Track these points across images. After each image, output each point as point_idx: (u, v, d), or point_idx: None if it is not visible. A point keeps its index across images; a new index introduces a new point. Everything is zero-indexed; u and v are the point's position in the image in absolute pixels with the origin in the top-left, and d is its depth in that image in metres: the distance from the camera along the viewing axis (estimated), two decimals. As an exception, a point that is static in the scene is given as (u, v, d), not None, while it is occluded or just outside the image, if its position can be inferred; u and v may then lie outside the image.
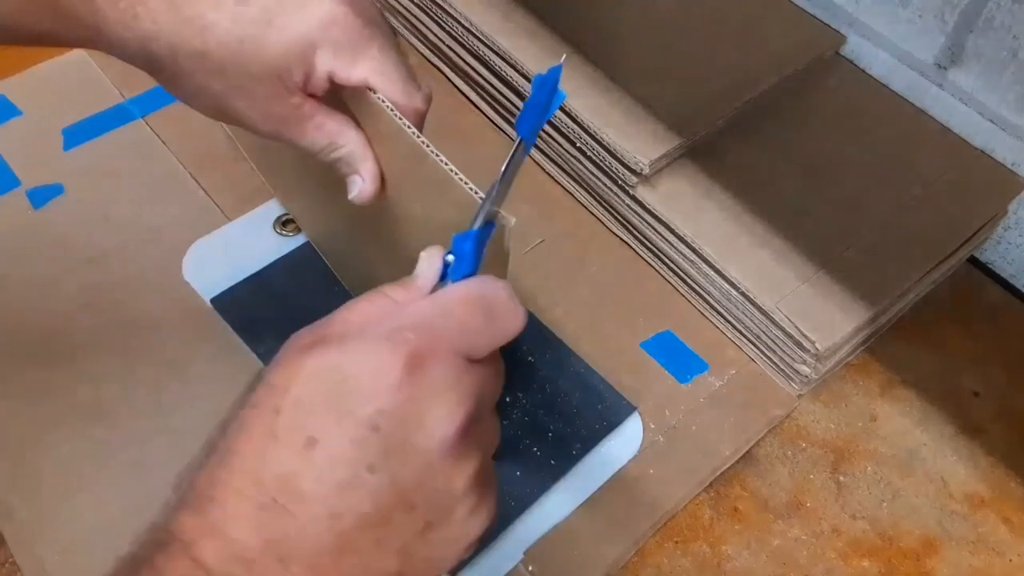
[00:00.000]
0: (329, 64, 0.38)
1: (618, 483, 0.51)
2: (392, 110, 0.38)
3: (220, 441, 0.29)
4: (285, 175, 0.59)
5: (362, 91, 0.39)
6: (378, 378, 0.28)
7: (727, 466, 0.52)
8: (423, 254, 0.32)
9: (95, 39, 0.37)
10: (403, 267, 0.34)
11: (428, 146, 0.37)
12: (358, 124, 0.41)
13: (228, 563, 0.27)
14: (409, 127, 0.38)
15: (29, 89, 0.67)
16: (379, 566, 0.28)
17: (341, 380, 0.28)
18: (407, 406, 0.28)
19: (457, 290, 0.31)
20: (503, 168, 0.34)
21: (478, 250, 0.32)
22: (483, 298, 0.31)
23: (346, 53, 0.38)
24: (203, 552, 0.27)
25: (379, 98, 0.39)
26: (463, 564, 0.44)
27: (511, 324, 0.31)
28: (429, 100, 0.41)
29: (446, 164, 0.37)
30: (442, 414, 0.28)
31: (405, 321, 0.29)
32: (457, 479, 0.29)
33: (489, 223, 0.33)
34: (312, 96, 0.39)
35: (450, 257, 0.32)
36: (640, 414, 0.54)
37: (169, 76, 0.38)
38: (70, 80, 0.67)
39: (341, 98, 0.40)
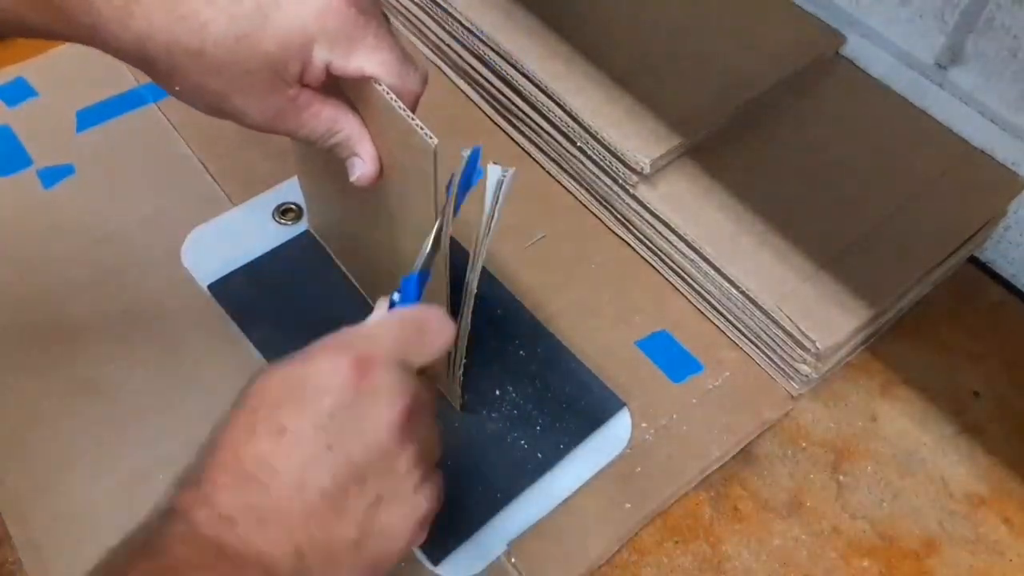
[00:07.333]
0: (326, 56, 0.38)
1: (605, 479, 0.51)
2: (389, 94, 0.38)
3: (214, 435, 0.34)
4: (310, 161, 0.59)
5: (359, 79, 0.39)
6: (332, 378, 0.34)
7: (715, 468, 0.52)
8: (377, 302, 0.39)
9: (91, 37, 0.37)
10: (406, 256, 0.36)
11: (422, 129, 0.37)
12: (355, 109, 0.41)
13: (216, 524, 0.32)
14: (404, 109, 0.38)
15: (46, 71, 0.67)
16: (340, 532, 0.34)
17: (304, 380, 0.34)
18: (356, 398, 0.34)
19: (396, 312, 0.38)
20: (434, 232, 0.40)
21: (419, 289, 0.39)
22: (416, 318, 0.38)
23: (342, 44, 0.38)
24: (196, 516, 0.32)
25: (377, 84, 0.39)
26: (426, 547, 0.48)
27: (440, 338, 0.38)
28: (425, 80, 0.41)
29: (431, 138, 0.37)
30: (385, 404, 0.34)
31: (352, 337, 0.36)
32: (400, 459, 0.35)
33: (426, 270, 0.40)
34: (308, 86, 0.39)
35: (396, 296, 0.39)
36: (630, 411, 0.53)
37: (165, 75, 0.38)
38: (86, 64, 0.67)
39: (337, 85, 0.40)
